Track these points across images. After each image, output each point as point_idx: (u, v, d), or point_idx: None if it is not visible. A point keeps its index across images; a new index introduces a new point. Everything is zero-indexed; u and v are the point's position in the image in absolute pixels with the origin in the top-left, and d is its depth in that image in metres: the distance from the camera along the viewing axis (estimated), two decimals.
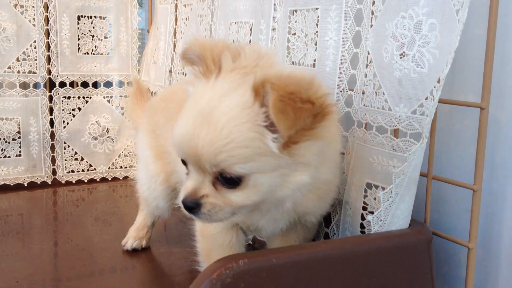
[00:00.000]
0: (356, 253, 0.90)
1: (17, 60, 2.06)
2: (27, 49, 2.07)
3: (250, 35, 1.50)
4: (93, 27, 2.19)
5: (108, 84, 2.27)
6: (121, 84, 2.32)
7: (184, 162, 0.96)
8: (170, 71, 2.06)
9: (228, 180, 0.90)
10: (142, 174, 1.50)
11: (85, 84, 2.22)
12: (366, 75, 1.13)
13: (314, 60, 1.28)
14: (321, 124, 0.90)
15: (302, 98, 0.84)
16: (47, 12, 2.09)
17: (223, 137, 0.87)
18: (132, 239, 1.53)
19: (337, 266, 0.84)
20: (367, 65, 1.12)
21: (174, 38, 2.04)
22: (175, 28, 2.03)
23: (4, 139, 2.07)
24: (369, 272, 0.90)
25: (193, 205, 0.92)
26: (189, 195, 0.92)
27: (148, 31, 2.35)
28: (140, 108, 1.77)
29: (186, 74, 1.94)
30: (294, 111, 0.83)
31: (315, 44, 1.27)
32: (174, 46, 2.04)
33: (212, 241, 1.12)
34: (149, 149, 1.46)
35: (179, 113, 0.96)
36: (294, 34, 1.34)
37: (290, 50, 1.35)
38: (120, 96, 2.29)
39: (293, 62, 1.34)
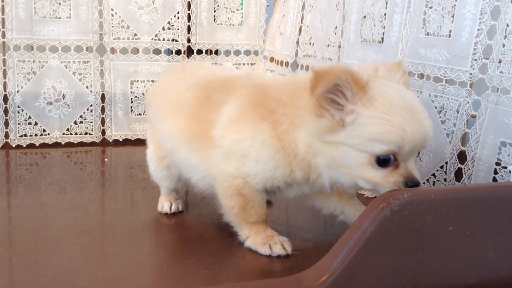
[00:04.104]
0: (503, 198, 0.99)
1: (163, 29, 2.32)
2: (171, 19, 2.32)
3: (386, 8, 1.64)
4: (227, 0, 2.41)
5: (236, 53, 2.49)
6: (247, 53, 2.52)
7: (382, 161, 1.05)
8: (297, 42, 2.23)
9: None
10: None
11: (217, 53, 2.45)
12: (504, 45, 1.25)
13: (450, 31, 1.41)
14: None
15: None
16: None
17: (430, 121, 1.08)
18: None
19: (484, 208, 0.96)
20: (505, 36, 1.24)
21: (303, 11, 2.21)
22: (304, 1, 2.20)
23: None
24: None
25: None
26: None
27: (274, 5, 2.54)
28: None
29: (313, 44, 2.11)
30: None
31: (452, 16, 1.40)
32: (302, 18, 2.21)
33: (247, 199, 1.23)
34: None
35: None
36: (431, 7, 1.48)
37: (426, 22, 1.48)
38: (246, 64, 2.50)
39: (428, 33, 1.48)
